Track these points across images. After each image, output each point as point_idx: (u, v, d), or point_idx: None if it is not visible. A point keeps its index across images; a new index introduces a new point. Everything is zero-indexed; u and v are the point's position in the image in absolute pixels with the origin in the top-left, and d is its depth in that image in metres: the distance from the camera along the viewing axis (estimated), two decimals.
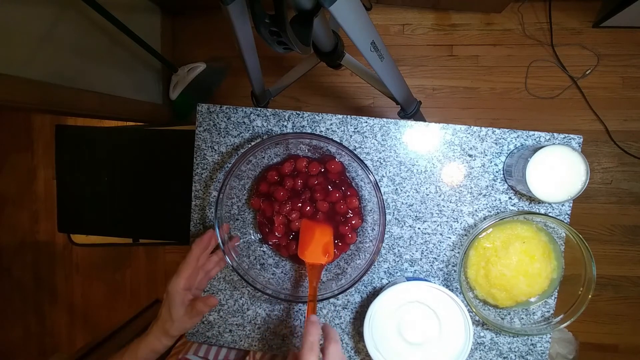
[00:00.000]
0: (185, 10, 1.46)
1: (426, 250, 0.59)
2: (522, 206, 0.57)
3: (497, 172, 0.57)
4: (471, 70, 1.38)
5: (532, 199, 0.57)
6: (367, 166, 0.51)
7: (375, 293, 0.60)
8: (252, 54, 0.70)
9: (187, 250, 0.62)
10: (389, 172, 0.59)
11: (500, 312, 0.57)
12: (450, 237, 0.59)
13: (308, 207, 0.55)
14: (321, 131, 0.60)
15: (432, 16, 1.38)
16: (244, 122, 0.60)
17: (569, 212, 0.57)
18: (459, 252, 0.59)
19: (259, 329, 0.63)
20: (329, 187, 0.56)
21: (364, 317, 0.52)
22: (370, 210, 0.56)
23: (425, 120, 0.70)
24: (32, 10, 0.89)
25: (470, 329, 0.50)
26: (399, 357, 0.51)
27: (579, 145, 0.56)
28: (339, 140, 0.59)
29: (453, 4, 1.34)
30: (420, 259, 0.59)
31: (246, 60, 0.70)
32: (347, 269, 0.56)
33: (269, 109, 0.60)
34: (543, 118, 1.36)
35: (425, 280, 0.55)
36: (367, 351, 0.52)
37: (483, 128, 0.57)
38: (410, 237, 0.59)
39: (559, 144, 0.49)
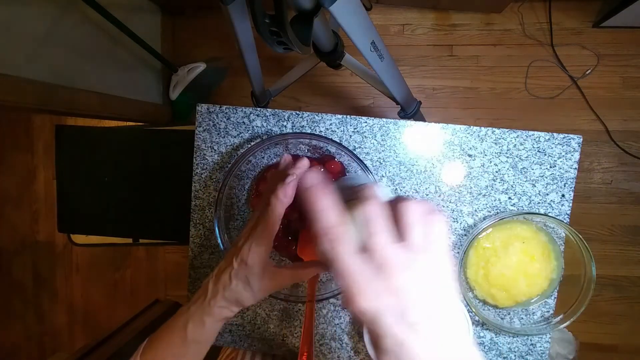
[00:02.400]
0: (185, 10, 1.47)
1: None
2: (522, 206, 0.57)
3: (496, 172, 0.57)
4: (471, 70, 1.38)
5: (532, 199, 0.57)
6: (366, 166, 0.51)
7: None
8: (252, 54, 0.70)
9: (187, 250, 0.62)
10: (389, 172, 0.59)
11: (499, 312, 0.57)
12: (449, 237, 0.59)
13: None
14: (321, 131, 0.60)
15: (432, 16, 1.38)
16: (243, 122, 0.60)
17: (568, 212, 0.57)
18: (458, 252, 0.59)
19: (258, 329, 0.63)
20: None
21: None
22: None
23: (425, 120, 0.70)
24: (32, 10, 0.89)
25: (470, 329, 0.50)
26: None
27: (579, 145, 0.56)
28: (338, 141, 0.59)
29: (453, 4, 1.34)
30: None
31: (246, 60, 0.71)
32: None
33: (269, 109, 0.60)
34: (543, 118, 1.36)
35: None
36: (367, 351, 0.52)
37: (483, 128, 0.57)
38: None
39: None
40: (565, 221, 0.56)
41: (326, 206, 0.27)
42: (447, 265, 0.27)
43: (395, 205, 0.28)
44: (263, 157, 0.58)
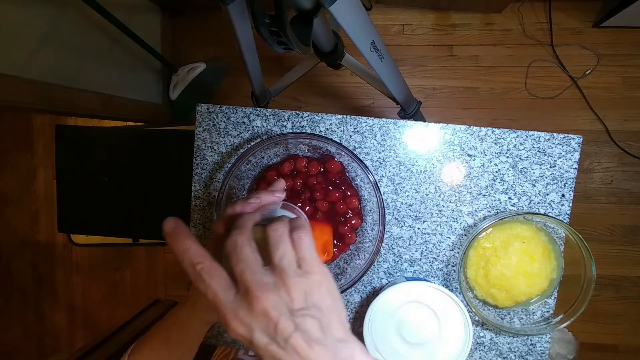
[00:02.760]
0: (185, 10, 1.47)
1: (426, 250, 0.59)
2: (522, 206, 0.57)
3: (496, 172, 0.57)
4: (471, 70, 1.38)
5: (532, 199, 0.57)
6: (366, 166, 0.51)
7: (374, 293, 0.60)
8: (252, 54, 0.70)
9: None
10: (389, 172, 0.59)
11: (499, 312, 0.57)
12: (449, 237, 0.59)
13: (308, 207, 0.55)
14: (321, 131, 0.60)
15: (432, 16, 1.38)
16: (243, 122, 0.60)
17: (568, 212, 0.57)
18: (458, 252, 0.59)
19: None
20: (329, 187, 0.56)
21: (363, 317, 0.52)
22: (370, 210, 0.56)
23: (425, 120, 0.70)
24: (32, 10, 0.89)
25: (470, 329, 0.50)
26: (399, 357, 0.51)
27: (579, 145, 0.56)
28: (338, 141, 0.59)
29: (453, 4, 1.34)
30: (420, 259, 0.59)
31: (246, 60, 0.70)
32: (346, 269, 0.57)
33: (269, 109, 0.60)
34: (543, 118, 1.36)
35: (425, 280, 0.55)
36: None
37: (483, 128, 0.57)
38: (410, 237, 0.59)
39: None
40: (565, 221, 0.56)
41: (186, 246, 0.29)
42: (316, 275, 0.28)
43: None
44: (263, 157, 0.58)
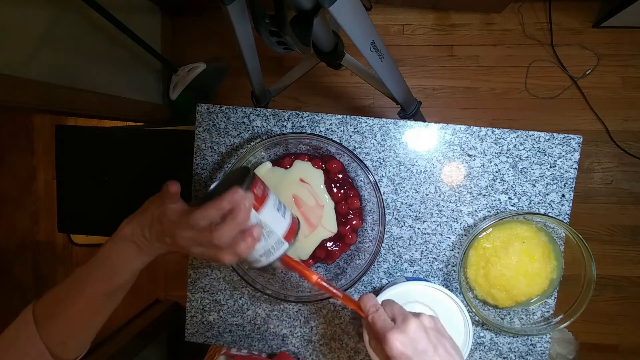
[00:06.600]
0: (185, 10, 1.47)
1: (426, 250, 0.59)
2: (522, 206, 0.57)
3: (496, 172, 0.57)
4: (471, 70, 1.38)
5: (532, 199, 0.57)
6: (366, 166, 0.51)
7: (375, 293, 0.60)
8: (252, 54, 0.70)
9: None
10: (389, 172, 0.59)
11: (499, 312, 0.57)
12: (449, 237, 0.59)
13: None
14: (321, 131, 0.60)
15: (432, 16, 1.38)
16: (243, 122, 0.60)
17: (568, 212, 0.57)
18: (458, 252, 0.59)
19: (258, 329, 0.63)
20: (332, 188, 0.56)
21: None
22: (370, 211, 0.56)
23: (425, 120, 0.70)
24: (32, 10, 0.89)
25: (470, 329, 0.50)
26: None
27: (579, 145, 0.56)
28: (338, 141, 0.59)
29: (453, 4, 1.34)
30: (420, 259, 0.59)
31: (246, 60, 0.70)
32: (346, 269, 0.57)
33: (269, 109, 0.60)
34: (543, 118, 1.36)
35: (425, 280, 0.55)
36: (367, 351, 0.52)
37: (483, 128, 0.57)
38: (410, 237, 0.59)
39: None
40: (565, 221, 0.56)
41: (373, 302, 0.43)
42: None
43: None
44: (263, 157, 0.58)
